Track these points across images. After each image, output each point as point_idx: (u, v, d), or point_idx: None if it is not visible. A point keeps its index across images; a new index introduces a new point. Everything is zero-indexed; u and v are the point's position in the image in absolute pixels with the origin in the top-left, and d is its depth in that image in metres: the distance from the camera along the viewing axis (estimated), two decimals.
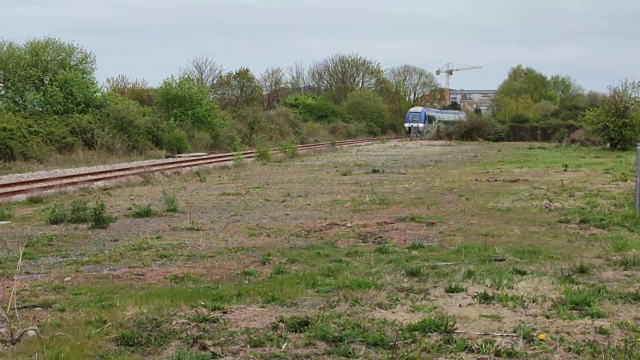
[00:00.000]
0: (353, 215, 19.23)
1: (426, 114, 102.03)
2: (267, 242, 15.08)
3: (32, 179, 30.92)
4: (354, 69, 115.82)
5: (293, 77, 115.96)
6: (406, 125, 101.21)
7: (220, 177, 32.64)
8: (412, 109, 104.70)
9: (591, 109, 61.76)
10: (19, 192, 25.33)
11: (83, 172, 34.06)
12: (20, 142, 41.21)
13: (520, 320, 8.79)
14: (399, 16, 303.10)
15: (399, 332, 8.20)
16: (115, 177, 31.62)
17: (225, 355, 7.63)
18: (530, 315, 9.06)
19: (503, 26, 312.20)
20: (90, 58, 57.88)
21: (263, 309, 9.40)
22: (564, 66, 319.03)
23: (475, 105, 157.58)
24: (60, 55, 55.82)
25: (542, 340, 7.96)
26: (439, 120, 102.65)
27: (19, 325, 8.47)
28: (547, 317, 8.94)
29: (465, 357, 7.56)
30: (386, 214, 19.34)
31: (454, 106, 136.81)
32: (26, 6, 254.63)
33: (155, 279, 11.53)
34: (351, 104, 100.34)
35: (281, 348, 7.84)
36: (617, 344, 7.84)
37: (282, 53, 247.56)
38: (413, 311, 9.25)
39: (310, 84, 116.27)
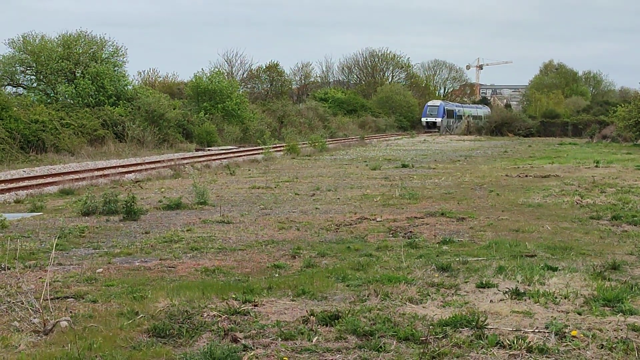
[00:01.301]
0: (383, 209, 19.20)
1: (445, 108, 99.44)
2: (297, 236, 15.09)
3: (64, 170, 31.16)
4: (384, 63, 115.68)
5: (323, 71, 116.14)
6: (423, 119, 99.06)
7: (249, 170, 32.72)
8: (429, 103, 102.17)
9: (623, 105, 61.29)
10: (51, 183, 25.54)
11: (114, 165, 34.27)
12: (52, 134, 41.52)
13: (552, 316, 8.74)
14: (429, 11, 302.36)
15: (430, 327, 8.18)
16: (146, 169, 31.80)
17: (257, 348, 7.65)
18: (562, 311, 9.01)
19: (534, 21, 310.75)
20: (121, 51, 58.28)
21: (293, 303, 9.42)
22: (596, 62, 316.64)
23: (505, 101, 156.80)
24: (92, 49, 56.17)
25: (574, 336, 7.91)
26: (468, 115, 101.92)
27: (51, 315, 8.55)
28: (579, 314, 8.88)
29: (497, 353, 7.53)
30: (416, 208, 19.29)
31: (484, 101, 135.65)
32: (60, 1, 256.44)
33: (186, 271, 11.58)
34: (380, 99, 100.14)
35: (312, 341, 7.84)
36: None
37: (312, 47, 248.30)
38: (444, 306, 9.22)
39: (340, 78, 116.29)
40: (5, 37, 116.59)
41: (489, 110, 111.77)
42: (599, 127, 73.00)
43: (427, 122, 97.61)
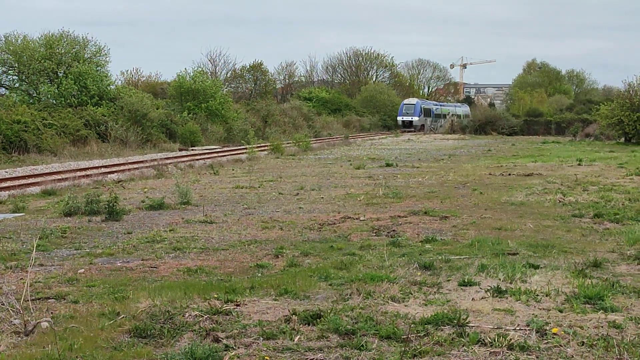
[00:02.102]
0: (366, 208, 19.21)
1: (422, 106, 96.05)
2: (280, 235, 15.09)
3: (46, 171, 31.01)
4: (368, 62, 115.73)
5: (307, 71, 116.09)
6: (399, 118, 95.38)
7: (233, 170, 32.67)
8: (405, 101, 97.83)
9: (606, 103, 61.51)
10: (33, 184, 25.41)
11: (97, 165, 34.13)
12: (34, 134, 41.31)
13: (533, 314, 8.77)
14: (413, 10, 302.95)
15: (412, 326, 8.20)
16: (129, 169, 31.69)
17: (238, 348, 7.64)
18: (543, 309, 9.04)
19: (517, 19, 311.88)
20: (104, 51, 58.07)
21: (276, 302, 9.41)
22: (579, 60, 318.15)
23: (489, 99, 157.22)
24: (75, 48, 55.95)
25: (555, 334, 7.94)
26: (452, 114, 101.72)
27: (32, 316, 8.52)
28: (560, 311, 8.92)
29: (478, 350, 7.55)
30: (399, 207, 19.32)
31: (468, 100, 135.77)
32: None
33: (169, 272, 11.56)
34: (365, 98, 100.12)
35: (294, 341, 7.84)
36: (631, 338, 7.82)
37: (296, 46, 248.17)
38: (426, 304, 9.24)
39: (324, 78, 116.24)
40: None
41: (468, 109, 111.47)
42: (582, 126, 73.28)
43: (403, 121, 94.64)
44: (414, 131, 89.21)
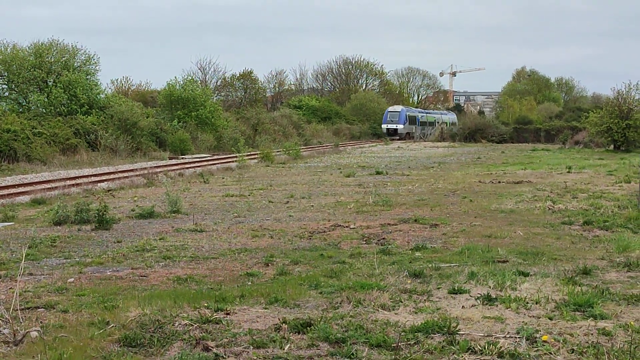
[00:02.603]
0: (356, 216, 19.22)
1: (407, 114, 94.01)
2: (271, 244, 15.08)
3: (36, 180, 30.92)
4: (358, 70, 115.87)
5: (297, 79, 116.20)
6: (383, 126, 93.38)
7: (223, 178, 32.64)
8: (390, 108, 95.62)
9: (595, 111, 61.65)
10: (23, 193, 25.34)
11: (86, 174, 34.05)
12: (23, 143, 41.21)
13: (523, 321, 8.78)
14: (402, 18, 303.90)
15: (402, 334, 8.20)
16: (119, 178, 31.64)
17: (228, 357, 7.63)
18: (533, 316, 9.05)
19: (507, 27, 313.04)
20: (94, 59, 57.95)
21: (266, 310, 9.40)
22: (568, 68, 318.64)
23: (478, 107, 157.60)
24: (64, 57, 55.84)
25: (545, 341, 7.94)
26: (443, 122, 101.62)
27: (21, 326, 8.49)
28: (550, 319, 8.93)
29: (468, 358, 7.55)
30: (389, 215, 19.33)
31: (457, 108, 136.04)
32: (30, 7, 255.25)
33: (158, 280, 11.54)
34: (355, 106, 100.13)
35: (284, 349, 7.83)
36: (621, 346, 7.83)
37: (286, 54, 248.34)
38: (416, 312, 9.24)
39: (314, 86, 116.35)
40: None
41: (455, 116, 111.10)
42: (571, 133, 73.45)
43: (387, 129, 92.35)
44: (399, 139, 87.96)
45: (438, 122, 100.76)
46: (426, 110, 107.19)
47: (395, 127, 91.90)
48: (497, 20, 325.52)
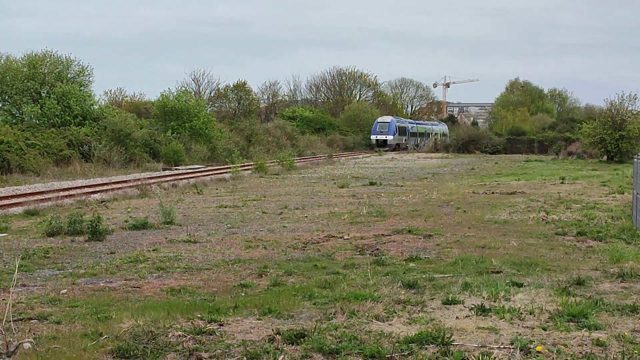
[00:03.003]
0: (350, 227, 19.21)
1: (397, 124, 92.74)
2: (264, 255, 15.06)
3: (29, 191, 30.85)
4: (351, 81, 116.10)
5: (290, 90, 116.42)
6: (373, 137, 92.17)
7: (217, 189, 32.61)
8: (379, 119, 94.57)
9: (588, 122, 61.83)
10: (16, 204, 25.29)
11: (80, 185, 34.02)
12: (17, 154, 41.15)
13: (517, 332, 8.77)
14: (396, 29, 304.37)
15: (396, 345, 8.18)
16: (112, 189, 31.60)
17: None
18: (527, 327, 9.04)
19: (501, 39, 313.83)
20: (87, 71, 57.98)
21: (259, 321, 9.38)
22: (561, 79, 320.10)
23: (472, 118, 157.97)
24: (58, 68, 55.83)
25: (539, 352, 7.93)
26: (430, 133, 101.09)
27: (14, 337, 8.45)
28: (544, 329, 8.92)
29: None
30: (383, 226, 19.33)
31: (451, 119, 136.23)
32: (24, 19, 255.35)
33: (152, 292, 11.51)
34: (348, 117, 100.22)
35: None
36: (614, 356, 7.83)
37: (280, 66, 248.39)
38: (410, 323, 9.23)
39: (308, 97, 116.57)
40: None
41: (446, 127, 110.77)
42: (564, 144, 73.62)
43: (377, 140, 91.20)
44: (389, 150, 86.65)
45: (429, 133, 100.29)
46: (416, 121, 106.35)
47: (384, 138, 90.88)
48: (490, 33, 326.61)
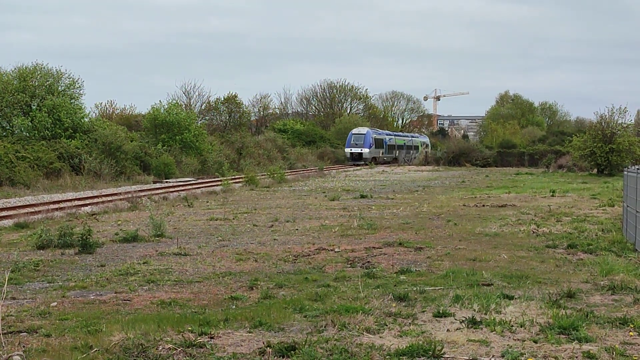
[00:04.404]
0: (341, 240, 19.20)
1: (373, 136, 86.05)
2: (255, 267, 15.04)
3: (19, 204, 30.76)
4: (342, 94, 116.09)
5: (281, 103, 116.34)
6: (347, 150, 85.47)
7: (208, 202, 32.56)
8: (354, 130, 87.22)
9: (578, 135, 62.02)
10: (6, 217, 25.19)
11: (70, 198, 33.92)
12: (7, 167, 41.05)
13: (508, 344, 8.78)
14: (387, 42, 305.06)
15: (387, 357, 8.18)
16: (103, 202, 31.52)
17: None
18: (518, 339, 9.05)
19: (491, 53, 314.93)
20: (78, 83, 57.80)
21: (250, 334, 9.36)
22: (551, 92, 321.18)
23: (462, 131, 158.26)
24: (48, 81, 55.70)
25: None
26: (409, 146, 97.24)
27: (4, 350, 8.42)
28: (535, 342, 8.93)
29: None
30: (374, 238, 19.33)
31: (442, 132, 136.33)
32: (15, 32, 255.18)
33: (142, 304, 11.48)
34: (339, 130, 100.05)
35: None
36: None
37: (271, 79, 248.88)
38: (401, 336, 9.22)
39: (299, 110, 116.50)
40: None
41: (428, 139, 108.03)
42: (555, 157, 73.81)
43: (351, 154, 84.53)
44: (363, 165, 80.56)
45: (409, 146, 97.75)
46: (395, 133, 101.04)
47: (359, 151, 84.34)
48: (481, 46, 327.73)
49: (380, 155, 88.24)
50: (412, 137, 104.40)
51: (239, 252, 17.15)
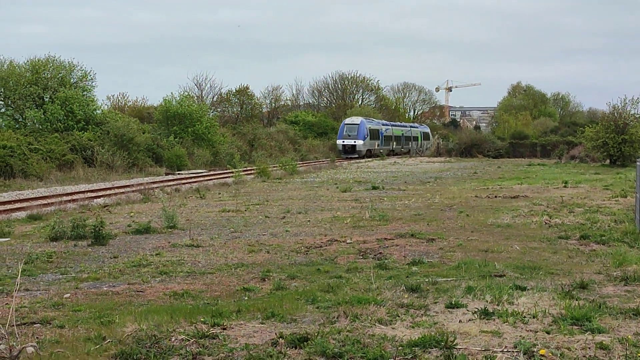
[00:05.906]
0: (353, 231, 19.20)
1: (368, 126, 79.41)
2: (267, 259, 15.06)
3: (32, 196, 30.88)
4: (354, 86, 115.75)
5: (293, 94, 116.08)
6: (339, 142, 79.17)
7: (220, 194, 32.60)
8: (347, 120, 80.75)
9: (590, 126, 61.81)
10: (19, 209, 25.31)
11: (83, 190, 34.02)
12: (20, 159, 41.20)
13: (520, 335, 8.76)
14: (399, 33, 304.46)
15: (399, 348, 8.17)
16: (115, 194, 31.60)
17: None
18: (530, 330, 9.04)
19: (503, 43, 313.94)
20: (90, 76, 58.03)
21: (263, 325, 9.37)
22: (564, 83, 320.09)
23: (474, 122, 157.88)
24: (61, 73, 55.87)
25: (542, 355, 7.93)
26: (416, 137, 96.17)
27: (18, 341, 8.45)
28: (548, 333, 8.91)
29: None
30: (386, 230, 19.32)
31: (454, 123, 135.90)
32: (28, 24, 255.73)
33: (155, 296, 11.51)
34: None
35: None
36: None
37: (282, 70, 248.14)
38: (413, 327, 9.22)
39: (310, 101, 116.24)
40: None
41: (429, 129, 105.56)
42: (567, 148, 73.67)
43: (344, 146, 78.21)
44: (358, 158, 75.23)
45: (407, 136, 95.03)
46: (392, 123, 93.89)
47: (353, 143, 77.92)
48: (493, 37, 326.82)
49: (376, 147, 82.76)
50: (411, 127, 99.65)
51: (251, 243, 17.17)
